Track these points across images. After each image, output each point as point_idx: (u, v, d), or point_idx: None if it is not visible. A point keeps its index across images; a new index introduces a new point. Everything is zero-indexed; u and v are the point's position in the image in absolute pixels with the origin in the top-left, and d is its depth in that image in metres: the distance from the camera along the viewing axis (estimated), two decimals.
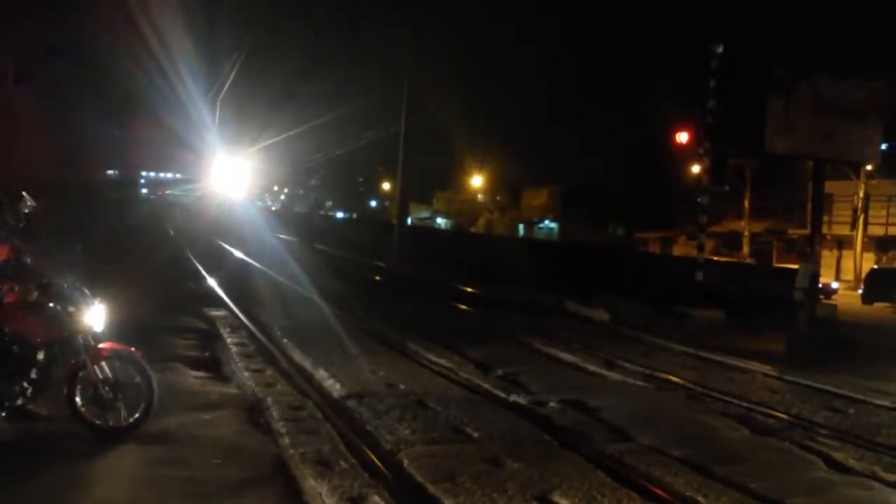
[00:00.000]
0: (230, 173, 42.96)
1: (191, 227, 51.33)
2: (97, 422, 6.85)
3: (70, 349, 6.90)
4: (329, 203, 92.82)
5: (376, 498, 6.02)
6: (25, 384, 6.76)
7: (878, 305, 27.83)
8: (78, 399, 6.83)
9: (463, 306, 20.04)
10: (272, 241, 36.28)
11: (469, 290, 23.24)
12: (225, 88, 33.63)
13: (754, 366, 13.09)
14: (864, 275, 32.56)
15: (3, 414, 6.73)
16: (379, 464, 6.87)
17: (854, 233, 37.10)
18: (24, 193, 7.00)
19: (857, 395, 11.05)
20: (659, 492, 6.59)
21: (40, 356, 6.80)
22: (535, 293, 21.95)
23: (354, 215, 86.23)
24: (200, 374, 10.02)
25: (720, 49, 20.46)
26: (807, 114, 19.23)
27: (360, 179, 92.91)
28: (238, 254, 31.70)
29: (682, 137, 24.17)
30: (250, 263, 27.43)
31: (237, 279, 21.34)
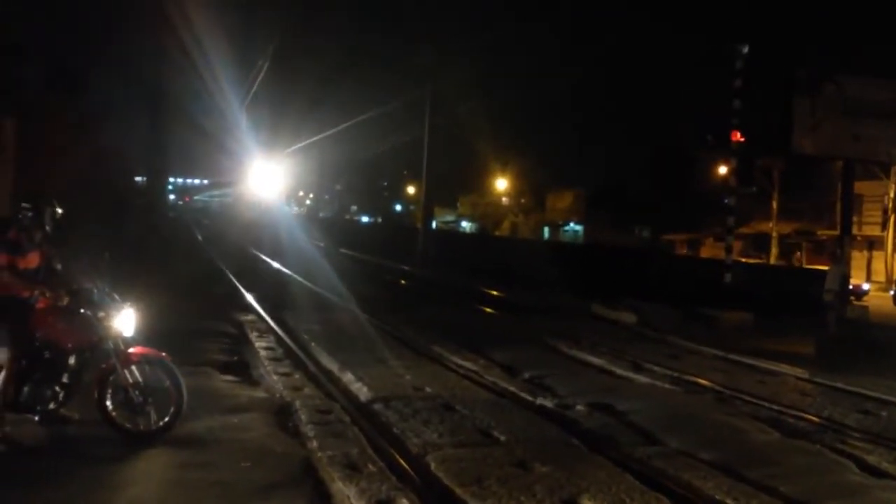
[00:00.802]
0: (261, 178, 43.58)
1: (220, 232, 51.65)
2: (127, 425, 6.92)
3: (100, 354, 6.98)
4: (354, 207, 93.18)
5: (404, 501, 6.02)
6: (57, 388, 6.85)
7: None
8: (108, 403, 6.91)
9: (488, 309, 20.03)
10: (303, 246, 36.41)
11: (494, 293, 23.23)
12: (251, 94, 33.94)
13: (784, 368, 12.95)
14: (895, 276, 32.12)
15: (36, 418, 6.82)
16: (406, 467, 6.87)
17: (885, 233, 36.62)
18: (52, 200, 7.09)
19: (890, 397, 10.89)
20: (688, 495, 6.53)
21: (71, 361, 6.89)
22: (560, 296, 21.89)
23: (379, 219, 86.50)
24: (229, 377, 10.10)
25: (745, 50, 20.32)
26: (833, 114, 19.06)
27: (385, 183, 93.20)
28: (268, 260, 31.90)
29: (709, 138, 24.04)
30: (280, 270, 27.63)
31: (266, 284, 21.49)
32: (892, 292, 30.15)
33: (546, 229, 67.32)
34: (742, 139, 21.12)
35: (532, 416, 9.06)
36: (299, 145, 43.53)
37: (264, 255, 33.76)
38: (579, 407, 9.57)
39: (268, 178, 44.33)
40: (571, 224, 65.44)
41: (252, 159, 41.31)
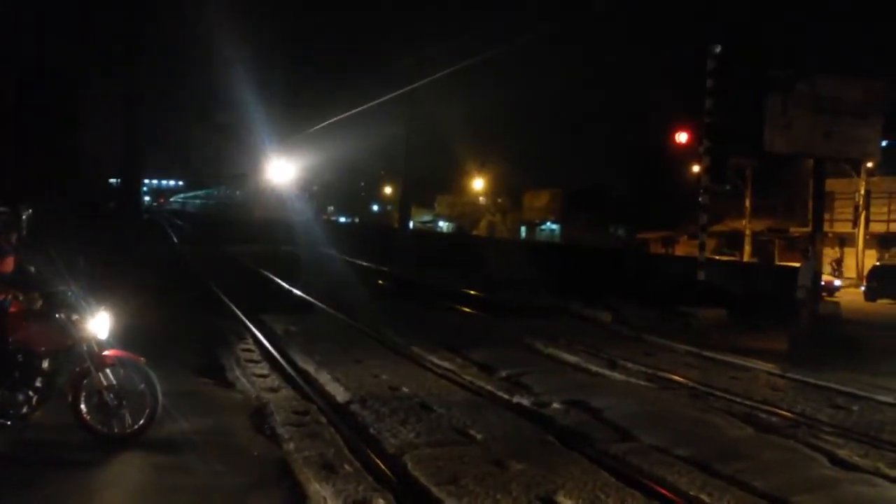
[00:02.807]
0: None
1: (197, 234, 51.31)
2: (102, 429, 6.88)
3: (75, 357, 6.93)
4: (331, 208, 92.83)
5: (381, 501, 6.04)
6: (31, 393, 6.78)
7: (882, 302, 27.79)
8: (83, 406, 6.86)
9: (466, 309, 20.04)
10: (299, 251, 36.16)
11: (472, 292, 23.25)
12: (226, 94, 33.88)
13: (757, 364, 13.09)
14: (866, 272, 32.53)
15: (9, 423, 6.75)
16: (383, 467, 6.89)
17: (856, 230, 37.07)
18: (21, 204, 7.02)
19: (861, 391, 11.05)
20: (663, 491, 6.60)
21: (45, 365, 6.83)
22: (537, 295, 21.97)
23: (356, 220, 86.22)
24: (204, 379, 10.06)
25: (718, 49, 20.50)
26: (806, 112, 19.24)
27: (362, 184, 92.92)
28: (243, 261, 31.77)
29: (682, 137, 24.22)
30: (255, 270, 27.56)
31: (240, 283, 21.40)
32: (863, 288, 30.52)
33: (523, 229, 67.45)
34: (715, 138, 21.30)
35: (508, 415, 9.10)
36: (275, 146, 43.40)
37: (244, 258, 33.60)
38: (555, 405, 9.62)
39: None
40: (548, 223, 65.61)
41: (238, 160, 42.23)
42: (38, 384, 6.81)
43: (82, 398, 6.87)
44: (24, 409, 6.79)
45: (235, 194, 54.47)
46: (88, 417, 6.87)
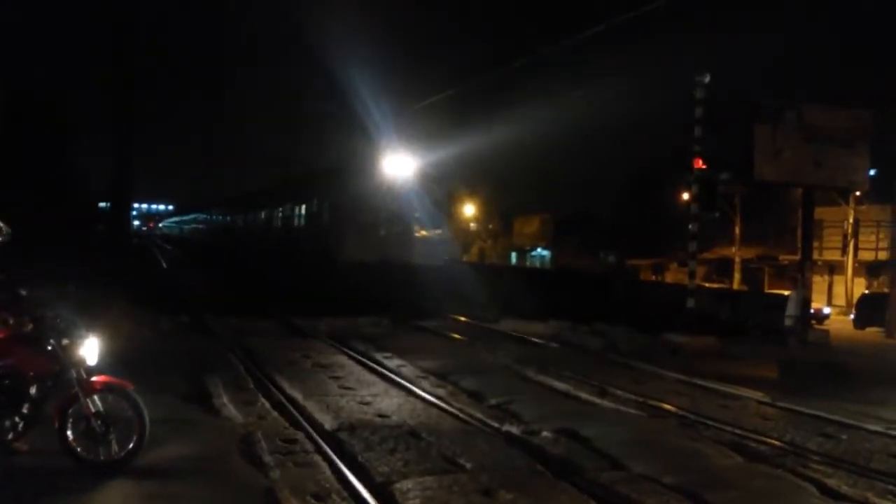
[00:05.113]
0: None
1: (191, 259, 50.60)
2: (88, 456, 6.83)
3: (63, 383, 6.88)
4: None
5: None
6: (17, 419, 6.73)
7: (870, 330, 27.87)
8: (69, 433, 6.81)
9: (456, 336, 19.97)
10: None
11: (461, 318, 23.18)
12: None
13: (747, 392, 13.09)
14: (855, 300, 32.67)
15: None
16: (369, 497, 6.85)
17: (844, 258, 37.28)
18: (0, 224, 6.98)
19: (850, 420, 11.06)
20: None
21: (33, 390, 6.78)
22: (526, 321, 21.92)
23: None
24: (192, 406, 10.00)
25: (707, 79, 20.71)
26: (794, 142, 19.49)
27: None
28: None
29: (673, 165, 24.41)
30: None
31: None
32: (852, 316, 30.63)
33: (514, 254, 67.55)
34: (704, 166, 21.46)
35: (498, 443, 9.07)
36: None
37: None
38: (545, 433, 9.59)
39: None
40: (539, 249, 65.74)
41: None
42: (24, 410, 6.76)
43: (69, 424, 6.81)
44: (10, 436, 6.74)
45: (296, 213, 35.80)
46: (75, 444, 6.81)
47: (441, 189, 27.35)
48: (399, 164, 28.55)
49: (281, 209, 40.03)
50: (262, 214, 44.61)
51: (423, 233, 29.51)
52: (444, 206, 26.57)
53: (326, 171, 34.91)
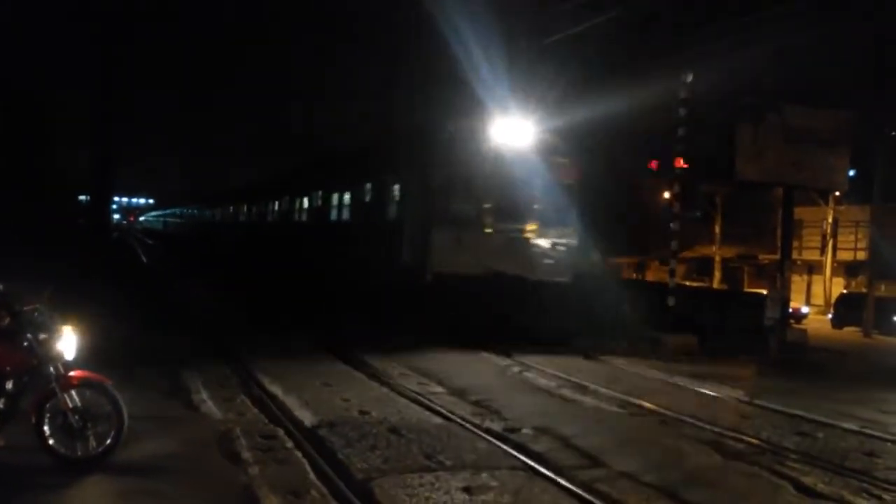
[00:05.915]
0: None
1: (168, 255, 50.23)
2: (65, 452, 6.76)
3: (40, 378, 6.81)
4: None
5: None
6: None
7: (848, 329, 28.21)
8: (46, 428, 6.73)
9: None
10: None
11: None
12: None
13: (726, 391, 13.20)
14: (833, 299, 32.99)
15: None
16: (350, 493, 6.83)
17: (823, 258, 37.63)
18: None
19: (827, 419, 11.19)
20: None
21: (9, 385, 6.71)
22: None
23: None
24: (171, 402, 9.95)
25: (689, 78, 20.77)
26: (776, 142, 19.61)
27: None
28: None
29: (654, 164, 24.49)
30: None
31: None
32: (830, 315, 30.93)
33: None
34: (686, 165, 21.54)
35: (479, 440, 9.07)
36: None
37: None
38: (525, 430, 9.61)
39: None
40: None
41: None
42: (0, 405, 6.69)
43: (46, 420, 6.73)
44: None
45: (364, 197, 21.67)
46: (52, 440, 6.74)
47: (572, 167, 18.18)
48: (511, 131, 18.37)
49: (306, 198, 28.09)
50: (277, 206, 32.49)
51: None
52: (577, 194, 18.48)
53: (390, 144, 23.86)
